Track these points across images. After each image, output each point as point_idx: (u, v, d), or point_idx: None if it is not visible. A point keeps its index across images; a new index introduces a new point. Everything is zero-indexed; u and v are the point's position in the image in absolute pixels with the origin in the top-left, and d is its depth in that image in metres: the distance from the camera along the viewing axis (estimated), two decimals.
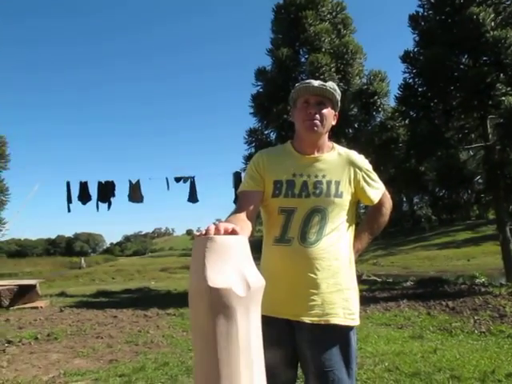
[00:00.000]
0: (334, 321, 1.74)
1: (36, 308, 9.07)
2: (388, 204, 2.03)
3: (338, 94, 1.88)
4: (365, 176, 1.90)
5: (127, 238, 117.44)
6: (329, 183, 1.81)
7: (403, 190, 12.53)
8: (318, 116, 1.82)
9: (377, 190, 1.95)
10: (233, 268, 1.20)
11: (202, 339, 1.21)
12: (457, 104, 10.70)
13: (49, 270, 37.20)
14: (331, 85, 1.86)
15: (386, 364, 4.21)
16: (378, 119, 12.02)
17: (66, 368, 4.56)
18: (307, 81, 1.87)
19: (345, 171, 1.86)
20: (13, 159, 11.73)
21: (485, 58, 10.34)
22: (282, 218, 1.80)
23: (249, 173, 1.92)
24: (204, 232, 1.27)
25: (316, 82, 1.84)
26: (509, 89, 9.67)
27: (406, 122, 11.44)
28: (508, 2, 10.54)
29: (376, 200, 1.95)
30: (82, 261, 41.88)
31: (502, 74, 9.80)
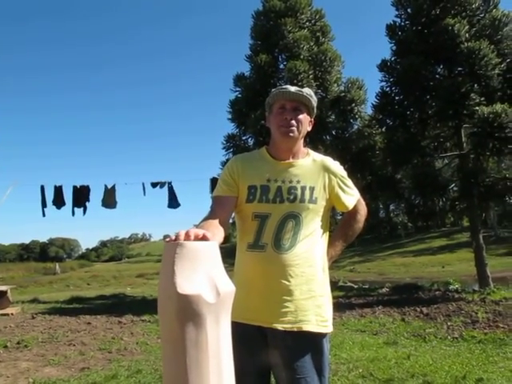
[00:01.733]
0: (307, 328, 1.73)
1: (6, 315, 8.84)
2: (363, 211, 2.03)
3: (314, 101, 1.88)
4: (339, 182, 1.89)
5: (103, 244, 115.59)
6: (303, 189, 1.80)
7: (380, 197, 12.66)
8: (293, 122, 1.81)
9: (351, 197, 1.95)
10: (202, 274, 1.18)
11: (170, 346, 1.19)
12: (432, 113, 10.89)
13: (22, 275, 36.39)
14: (307, 91, 1.85)
15: (360, 370, 4.23)
16: (356, 126, 12.17)
17: (36, 377, 4.45)
18: (284, 86, 1.87)
19: (319, 177, 1.85)
20: None
21: (459, 69, 10.58)
22: (255, 223, 1.79)
23: (223, 178, 1.90)
24: (174, 238, 1.24)
25: (292, 88, 1.83)
26: (482, 99, 9.87)
27: (383, 129, 11.60)
28: (482, 15, 10.79)
29: (351, 206, 1.94)
30: (57, 266, 41.11)
31: (475, 85, 10.01)
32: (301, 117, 1.84)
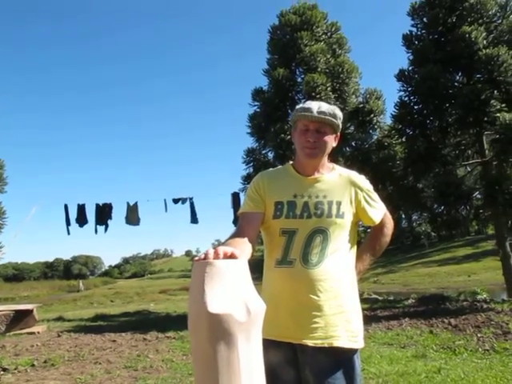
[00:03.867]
0: (338, 343, 1.71)
1: (33, 333, 8.93)
2: (389, 224, 2.02)
3: (339, 118, 1.86)
4: (366, 196, 1.88)
5: (126, 260, 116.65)
6: (330, 203, 1.80)
7: (402, 207, 12.51)
8: (317, 144, 1.81)
9: (378, 211, 1.93)
10: (232, 293, 1.18)
11: (202, 365, 1.19)
12: (453, 121, 10.77)
13: (46, 293, 36.92)
14: (331, 111, 1.82)
15: None
16: (375, 137, 12.09)
17: None
18: (307, 106, 1.84)
19: (346, 191, 1.85)
20: (10, 182, 11.60)
21: (478, 76, 10.46)
22: (283, 239, 1.79)
23: (249, 194, 1.91)
24: (203, 256, 1.25)
25: (315, 108, 1.80)
26: (503, 105, 9.74)
27: (403, 139, 11.50)
28: (499, 21, 10.70)
29: (377, 220, 1.93)
30: (80, 284, 41.59)
31: (495, 91, 9.90)
32: (325, 138, 1.83)
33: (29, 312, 9.74)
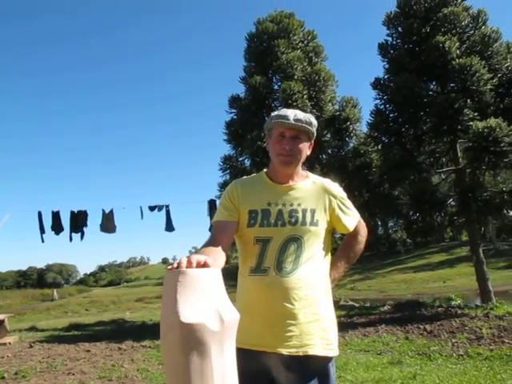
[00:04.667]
0: (313, 352, 1.69)
1: (4, 344, 8.69)
2: (363, 231, 2.02)
3: (314, 126, 1.86)
4: (339, 204, 1.89)
5: (101, 268, 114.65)
6: (304, 211, 1.79)
7: (378, 214, 12.64)
8: (292, 151, 1.80)
9: (352, 218, 1.94)
10: (206, 302, 1.17)
11: (175, 376, 1.17)
12: (427, 129, 10.96)
13: (19, 302, 36.11)
14: (307, 118, 1.82)
15: None
16: (351, 145, 12.23)
17: None
18: (283, 113, 1.83)
19: (320, 199, 1.85)
20: None
21: (452, 85, 10.70)
22: (257, 247, 1.77)
23: (223, 203, 1.89)
24: (176, 265, 1.23)
25: (292, 116, 1.80)
26: (476, 114, 9.96)
27: (379, 147, 11.65)
28: (471, 32, 10.96)
29: (351, 228, 1.93)
30: (55, 293, 40.81)
31: (468, 100, 10.12)
32: (300, 145, 1.83)
33: (0, 323, 9.50)
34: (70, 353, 7.53)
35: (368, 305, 13.85)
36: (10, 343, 8.81)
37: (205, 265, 1.25)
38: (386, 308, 11.54)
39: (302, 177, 1.91)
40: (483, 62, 10.02)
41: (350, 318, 9.91)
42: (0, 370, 6.12)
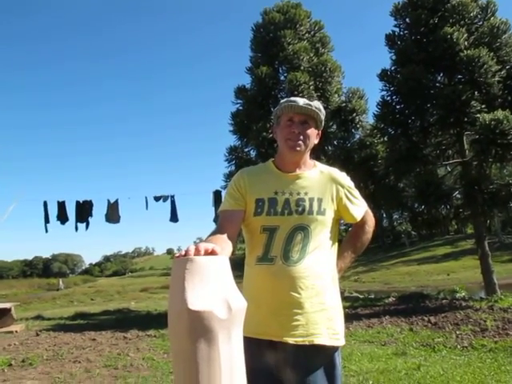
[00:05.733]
0: (319, 341, 1.70)
1: (11, 332, 8.78)
2: (371, 222, 2.01)
3: (323, 114, 1.87)
4: (347, 193, 1.88)
5: (107, 258, 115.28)
6: (311, 200, 1.79)
7: (383, 206, 12.62)
8: (301, 136, 1.80)
9: (359, 208, 1.93)
10: (213, 290, 1.16)
11: (182, 363, 1.17)
12: (434, 121, 10.89)
13: (25, 292, 36.36)
14: (316, 104, 1.84)
15: (371, 382, 4.17)
16: (357, 136, 12.19)
17: None
18: (293, 99, 1.85)
19: (327, 188, 1.84)
20: None
21: (459, 77, 10.62)
22: (264, 236, 1.77)
23: (229, 192, 1.88)
24: (183, 253, 1.23)
25: (301, 101, 1.81)
26: (483, 106, 9.89)
27: (385, 139, 11.60)
28: (480, 23, 10.85)
29: (359, 218, 1.92)
30: (60, 282, 41.00)
31: (476, 92, 10.04)
32: (308, 131, 1.83)
33: (6, 311, 9.59)
34: (76, 341, 7.60)
35: (372, 296, 13.85)
36: (16, 331, 8.90)
37: (212, 252, 1.25)
38: (390, 300, 11.55)
39: (309, 166, 1.90)
40: (491, 53, 9.94)
41: (355, 310, 9.93)
42: (7, 358, 6.19)
